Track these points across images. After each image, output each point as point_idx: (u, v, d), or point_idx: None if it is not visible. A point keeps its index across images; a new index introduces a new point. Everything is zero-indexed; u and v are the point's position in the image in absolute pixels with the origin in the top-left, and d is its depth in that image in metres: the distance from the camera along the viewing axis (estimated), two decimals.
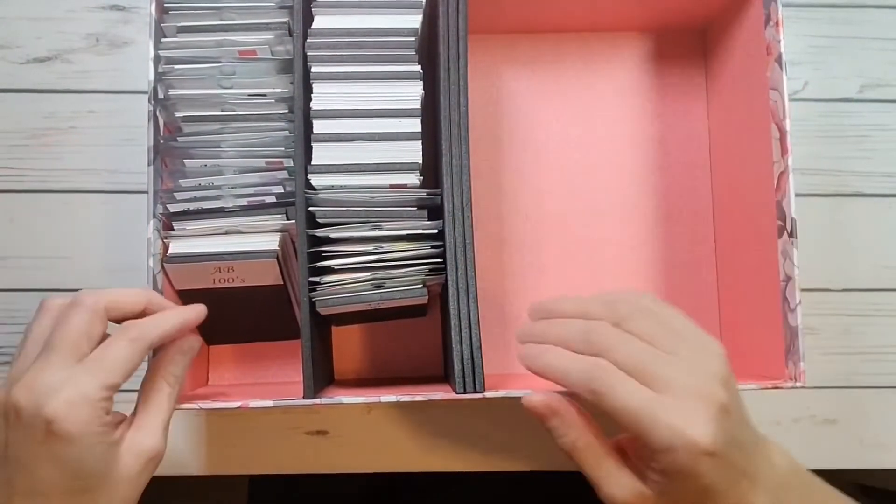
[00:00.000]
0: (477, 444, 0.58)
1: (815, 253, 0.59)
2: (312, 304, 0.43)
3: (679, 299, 0.57)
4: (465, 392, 0.43)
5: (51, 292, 0.56)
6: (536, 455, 0.58)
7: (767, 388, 0.45)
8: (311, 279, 0.43)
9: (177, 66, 0.45)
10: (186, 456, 0.57)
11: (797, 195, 0.58)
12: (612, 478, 0.37)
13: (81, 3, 0.58)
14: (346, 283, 0.43)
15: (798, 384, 0.44)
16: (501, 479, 0.60)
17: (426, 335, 0.56)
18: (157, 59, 0.45)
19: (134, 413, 0.40)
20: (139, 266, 0.46)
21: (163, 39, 0.45)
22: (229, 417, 0.57)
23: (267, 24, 0.45)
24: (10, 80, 0.58)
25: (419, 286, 0.43)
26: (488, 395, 0.43)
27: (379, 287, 0.43)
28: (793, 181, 0.45)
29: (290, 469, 0.57)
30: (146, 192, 0.45)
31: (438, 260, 0.43)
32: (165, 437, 0.40)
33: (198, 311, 0.41)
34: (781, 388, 0.45)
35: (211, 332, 0.51)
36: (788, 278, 0.45)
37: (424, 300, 0.44)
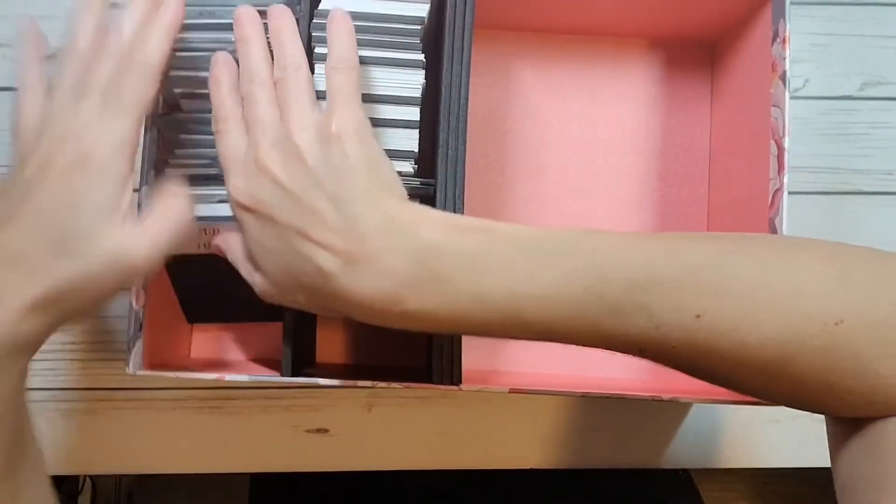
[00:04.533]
0: (478, 443, 0.58)
1: None
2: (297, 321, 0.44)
3: None
4: (442, 383, 0.43)
5: None
6: (539, 454, 0.58)
7: (744, 404, 0.45)
8: None
9: (178, 53, 0.45)
10: (186, 455, 0.57)
11: (797, 193, 0.59)
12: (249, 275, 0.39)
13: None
14: None
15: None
16: (502, 478, 0.60)
17: (412, 335, 0.56)
18: None
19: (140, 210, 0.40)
20: None
21: None
22: (229, 415, 0.57)
23: None
24: (10, 78, 0.57)
25: None
26: (465, 387, 0.43)
27: None
28: (787, 200, 0.45)
29: (290, 467, 0.57)
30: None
31: None
32: (150, 262, 0.36)
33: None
34: (761, 404, 0.44)
35: (194, 308, 0.50)
36: None
37: None
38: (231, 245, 0.41)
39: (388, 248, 0.34)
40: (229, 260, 0.41)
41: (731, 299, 0.32)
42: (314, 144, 0.36)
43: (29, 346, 0.35)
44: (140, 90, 0.37)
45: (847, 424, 0.35)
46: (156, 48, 0.37)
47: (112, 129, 0.36)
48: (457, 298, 0.34)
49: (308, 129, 0.36)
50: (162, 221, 0.37)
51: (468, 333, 0.36)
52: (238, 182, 0.37)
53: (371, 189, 0.36)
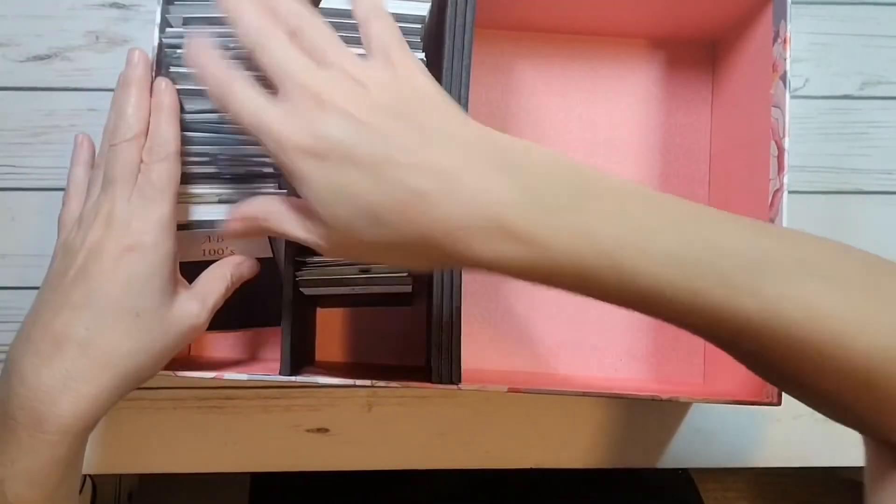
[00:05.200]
0: (478, 443, 0.58)
1: None
2: (297, 284, 0.44)
3: None
4: (441, 382, 0.43)
5: None
6: (538, 454, 0.58)
7: (743, 404, 0.45)
8: (298, 259, 0.43)
9: (179, 51, 0.45)
10: (186, 454, 0.57)
11: (797, 193, 0.59)
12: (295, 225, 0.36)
13: (81, 0, 0.58)
14: (332, 265, 0.43)
15: (774, 402, 0.44)
16: (501, 478, 0.60)
17: (411, 327, 0.56)
18: (164, 23, 0.45)
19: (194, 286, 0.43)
20: None
21: (167, 29, 0.45)
22: (229, 415, 0.57)
23: None
24: (10, 78, 0.58)
25: (405, 274, 0.44)
26: (464, 387, 0.43)
27: (365, 272, 0.43)
28: (787, 200, 0.45)
29: (291, 467, 0.57)
30: None
31: None
32: (209, 318, 0.42)
33: (171, 89, 0.42)
34: (757, 404, 0.44)
35: None
36: None
37: (409, 289, 0.44)
38: (271, 209, 0.36)
39: (490, 167, 0.31)
40: (270, 227, 0.36)
41: (845, 298, 0.31)
42: (379, 75, 0.33)
43: (98, 421, 0.38)
44: (167, 174, 0.40)
45: None
46: (169, 134, 0.41)
47: (153, 213, 0.39)
48: (562, 231, 0.31)
49: (363, 63, 0.34)
50: (212, 283, 0.43)
51: (556, 280, 0.32)
52: (294, 125, 0.32)
53: (454, 111, 0.34)
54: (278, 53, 0.34)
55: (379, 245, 0.33)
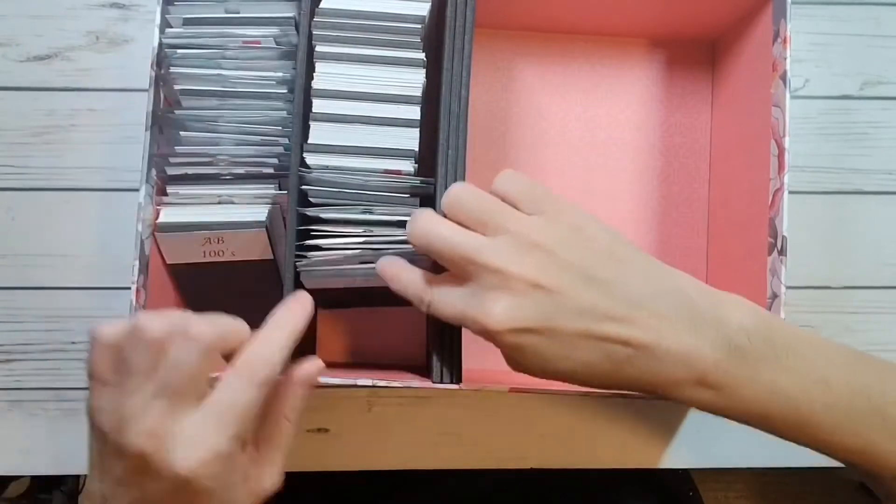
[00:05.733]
0: (478, 443, 0.58)
1: (815, 251, 0.59)
2: (298, 282, 0.44)
3: None
4: (441, 382, 0.43)
5: (52, 290, 0.57)
6: (538, 454, 0.58)
7: None
8: (298, 254, 0.43)
9: (179, 51, 0.45)
10: None
11: (798, 192, 0.59)
12: None
13: (81, 1, 0.58)
14: (333, 255, 0.43)
15: None
16: (503, 477, 0.60)
17: (412, 328, 0.56)
18: (164, 24, 0.45)
19: (254, 444, 0.37)
20: None
21: (167, 30, 0.45)
22: None
23: (273, 17, 0.45)
24: (10, 77, 0.58)
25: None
26: (464, 387, 0.43)
27: (365, 263, 0.43)
28: (787, 199, 0.45)
29: (291, 467, 0.57)
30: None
31: None
32: (283, 473, 0.38)
33: (304, 306, 0.37)
34: None
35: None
36: (775, 296, 0.45)
37: None
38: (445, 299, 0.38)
39: (687, 326, 0.35)
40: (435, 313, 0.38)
41: None
42: (560, 235, 0.35)
43: None
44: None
45: None
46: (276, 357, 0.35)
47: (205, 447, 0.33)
48: (753, 381, 0.35)
49: (537, 224, 0.36)
50: (273, 447, 0.38)
51: (744, 419, 0.37)
52: (499, 311, 0.34)
53: (643, 260, 0.37)
54: (452, 239, 0.36)
55: (584, 382, 0.37)
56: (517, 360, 0.36)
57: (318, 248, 0.43)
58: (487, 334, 0.35)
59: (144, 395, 0.32)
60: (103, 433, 0.32)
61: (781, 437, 0.37)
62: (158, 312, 0.33)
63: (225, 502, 0.34)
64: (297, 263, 0.43)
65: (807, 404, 0.35)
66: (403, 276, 0.39)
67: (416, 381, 0.44)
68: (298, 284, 0.44)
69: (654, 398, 0.37)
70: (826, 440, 0.36)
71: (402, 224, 0.44)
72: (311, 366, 0.38)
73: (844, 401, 0.35)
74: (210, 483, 0.32)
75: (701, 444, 0.58)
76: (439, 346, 0.43)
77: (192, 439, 0.32)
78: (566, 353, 0.35)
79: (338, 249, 0.43)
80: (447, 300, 0.37)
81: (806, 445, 0.37)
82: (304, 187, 0.43)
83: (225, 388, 0.33)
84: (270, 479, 0.37)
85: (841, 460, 0.38)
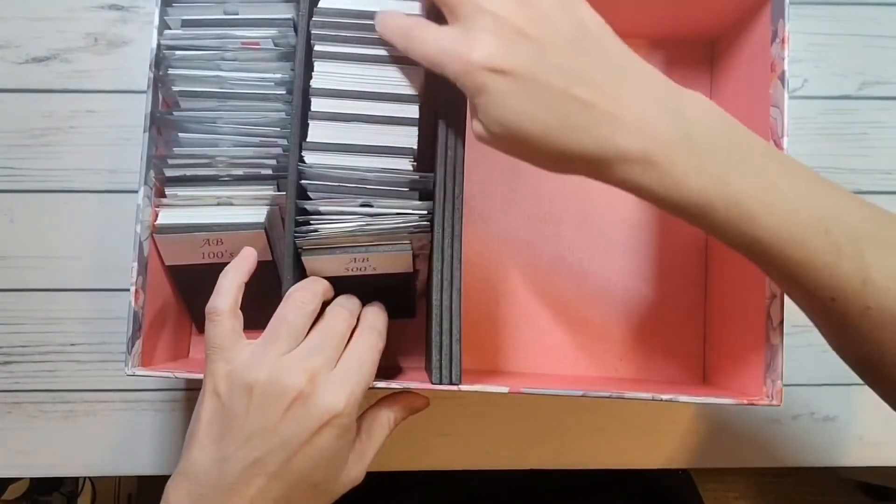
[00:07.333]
0: (478, 443, 0.58)
1: None
2: (297, 278, 0.44)
3: (666, 311, 0.57)
4: (440, 383, 0.43)
5: (50, 292, 0.57)
6: (538, 454, 0.58)
7: (742, 405, 0.45)
8: (297, 241, 0.43)
9: (178, 52, 0.45)
10: None
11: None
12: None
13: (80, 2, 0.58)
14: (332, 235, 0.43)
15: (774, 402, 0.44)
16: (503, 477, 0.60)
17: (411, 327, 0.56)
18: (163, 25, 0.45)
19: (358, 434, 0.42)
20: None
21: (166, 31, 0.45)
22: None
23: (271, 19, 0.45)
24: (9, 79, 0.58)
25: (405, 242, 0.43)
26: (463, 388, 0.43)
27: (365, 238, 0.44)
28: None
29: None
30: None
31: (426, 222, 0.43)
32: (366, 472, 0.43)
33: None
34: (756, 404, 0.45)
35: (201, 317, 0.50)
36: (773, 296, 0.45)
37: (409, 259, 0.44)
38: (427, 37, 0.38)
39: (657, 106, 0.36)
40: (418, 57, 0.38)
41: None
42: (558, 13, 0.36)
43: None
44: (374, 349, 0.42)
45: None
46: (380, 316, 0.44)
47: (354, 390, 0.39)
48: (699, 172, 0.35)
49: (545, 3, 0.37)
50: (377, 433, 0.43)
51: (681, 212, 0.36)
52: (484, 46, 0.35)
53: (623, 48, 0.38)
54: None
55: (534, 148, 0.37)
56: (481, 105, 0.36)
57: (316, 231, 0.43)
58: (465, 70, 0.35)
59: (301, 350, 0.39)
60: (249, 388, 0.38)
61: (722, 236, 0.36)
62: (310, 284, 0.42)
63: (344, 456, 0.40)
64: (296, 241, 0.43)
65: (752, 204, 0.35)
66: (392, 19, 0.40)
67: (415, 382, 0.44)
68: (299, 277, 0.44)
69: (593, 177, 0.37)
70: (767, 246, 0.35)
71: (401, 215, 0.44)
72: (422, 403, 0.46)
73: (791, 207, 0.35)
74: (349, 422, 0.39)
75: (701, 444, 0.58)
76: (439, 346, 0.43)
77: (344, 383, 0.39)
78: (529, 108, 0.35)
79: (336, 225, 0.43)
80: (431, 37, 0.37)
81: (745, 251, 0.36)
82: (303, 182, 0.43)
83: (359, 347, 0.41)
84: (357, 471, 0.41)
85: (777, 277, 0.38)
